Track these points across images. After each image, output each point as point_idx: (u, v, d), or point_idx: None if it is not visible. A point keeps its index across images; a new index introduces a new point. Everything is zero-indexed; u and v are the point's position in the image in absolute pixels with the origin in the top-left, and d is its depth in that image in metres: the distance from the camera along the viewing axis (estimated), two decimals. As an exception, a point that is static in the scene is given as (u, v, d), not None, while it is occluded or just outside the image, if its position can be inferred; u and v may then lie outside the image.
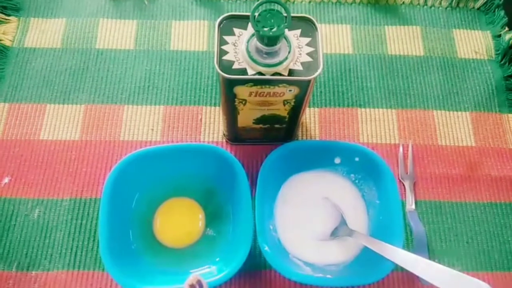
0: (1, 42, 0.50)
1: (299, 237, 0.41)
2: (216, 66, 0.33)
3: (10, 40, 0.51)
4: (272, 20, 0.31)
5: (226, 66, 0.33)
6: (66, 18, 0.52)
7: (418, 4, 0.55)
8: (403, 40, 0.52)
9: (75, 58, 0.50)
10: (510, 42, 0.52)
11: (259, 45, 0.32)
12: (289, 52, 0.34)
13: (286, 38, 0.34)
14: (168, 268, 0.39)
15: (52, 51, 0.50)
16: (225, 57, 0.34)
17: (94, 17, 0.52)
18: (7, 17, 0.52)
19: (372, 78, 0.50)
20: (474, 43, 0.53)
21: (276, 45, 0.32)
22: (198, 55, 0.51)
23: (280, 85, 0.34)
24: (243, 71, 0.33)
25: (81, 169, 0.45)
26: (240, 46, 0.34)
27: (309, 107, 0.48)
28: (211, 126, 0.47)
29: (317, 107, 0.49)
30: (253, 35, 0.34)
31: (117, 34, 0.52)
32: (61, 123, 0.47)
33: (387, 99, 0.49)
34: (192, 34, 0.52)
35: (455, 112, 0.49)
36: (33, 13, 0.52)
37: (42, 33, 0.51)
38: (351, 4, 0.54)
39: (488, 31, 0.54)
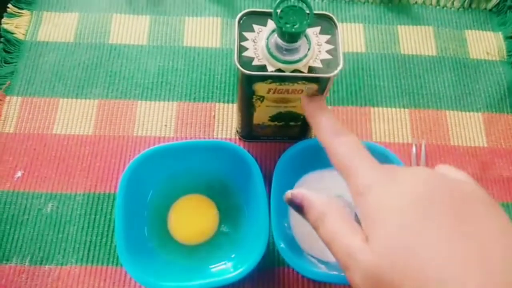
0: (14, 35, 0.50)
1: (314, 235, 0.40)
2: (236, 63, 0.33)
3: (23, 34, 0.51)
4: (294, 17, 0.31)
5: (245, 63, 0.33)
6: (79, 12, 0.52)
7: (431, 4, 0.55)
8: (416, 40, 0.53)
9: (88, 52, 0.50)
10: (522, 43, 0.52)
11: (280, 41, 0.32)
12: (309, 49, 0.34)
13: (306, 35, 0.34)
14: (183, 264, 0.39)
15: (65, 45, 0.50)
16: (244, 54, 0.34)
17: (107, 12, 0.52)
18: (20, 11, 0.52)
19: (385, 77, 0.50)
20: (486, 44, 0.53)
21: (297, 41, 0.32)
22: (211, 51, 0.51)
23: (299, 82, 0.34)
24: (263, 68, 0.33)
25: (95, 164, 0.45)
26: (260, 43, 0.34)
27: (322, 105, 0.48)
28: (224, 123, 0.47)
29: (330, 106, 0.49)
30: (273, 31, 0.34)
31: (130, 29, 0.51)
32: (74, 117, 0.47)
33: (400, 98, 0.49)
34: (205, 31, 0.52)
35: (467, 113, 0.49)
36: (46, 7, 0.52)
37: (55, 27, 0.51)
38: (364, 3, 0.54)
39: (500, 32, 0.54)
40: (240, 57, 0.34)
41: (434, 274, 0.19)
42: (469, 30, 0.54)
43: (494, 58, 0.52)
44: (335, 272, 0.37)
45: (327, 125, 0.28)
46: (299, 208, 0.27)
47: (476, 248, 0.19)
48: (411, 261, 0.20)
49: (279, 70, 0.33)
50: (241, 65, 0.33)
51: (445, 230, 0.20)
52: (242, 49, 0.34)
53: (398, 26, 0.53)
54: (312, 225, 0.26)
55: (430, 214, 0.21)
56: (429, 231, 0.20)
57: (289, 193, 0.28)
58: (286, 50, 0.33)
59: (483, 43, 0.53)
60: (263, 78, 0.34)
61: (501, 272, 0.19)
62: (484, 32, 0.54)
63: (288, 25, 0.31)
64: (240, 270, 0.35)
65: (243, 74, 0.33)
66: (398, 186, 0.23)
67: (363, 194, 0.23)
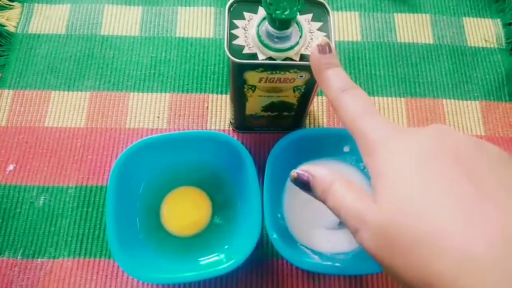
0: (5, 28, 0.49)
1: (307, 226, 0.40)
2: (226, 51, 0.32)
3: (14, 26, 0.50)
4: (285, 3, 0.30)
5: (236, 51, 0.33)
6: (70, 4, 0.51)
7: (428, -9, 0.54)
8: (413, 28, 0.52)
9: (80, 44, 0.49)
10: (521, 30, 0.51)
11: (271, 29, 0.32)
12: (300, 37, 0.33)
13: (297, 22, 0.33)
14: (176, 256, 0.38)
15: (56, 38, 0.50)
16: (235, 42, 0.33)
17: (99, 3, 0.51)
18: (11, 3, 0.51)
19: (381, 66, 0.50)
20: (484, 31, 0.52)
21: (288, 28, 0.31)
22: (204, 42, 0.50)
23: (291, 71, 0.34)
24: (254, 56, 0.33)
25: (87, 156, 0.44)
26: (251, 31, 0.33)
27: (317, 95, 0.48)
28: (217, 114, 0.47)
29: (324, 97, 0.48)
30: (264, 19, 0.33)
31: (122, 20, 0.51)
32: (66, 110, 0.46)
33: (396, 87, 0.49)
34: (198, 21, 0.51)
35: (464, 101, 0.49)
36: (37, -1, 0.52)
37: (47, 19, 0.50)
38: (360, -9, 0.54)
39: (498, 19, 0.53)
40: (230, 45, 0.33)
41: (437, 229, 0.18)
42: (467, 17, 0.53)
43: (492, 46, 0.52)
44: (328, 263, 0.37)
45: (335, 80, 0.27)
46: (306, 185, 0.27)
47: (478, 202, 0.19)
48: (416, 217, 0.19)
49: (270, 58, 0.33)
50: (231, 54, 0.33)
51: (449, 185, 0.19)
52: (232, 37, 0.33)
53: (395, 14, 0.53)
54: (320, 198, 0.26)
55: (435, 168, 0.20)
56: (434, 186, 0.20)
57: (294, 172, 0.28)
58: (277, 37, 0.32)
59: (481, 30, 0.52)
60: (254, 67, 0.33)
61: (503, 227, 0.18)
62: (482, 19, 0.53)
63: (278, 12, 0.30)
64: (233, 261, 0.35)
65: (234, 63, 0.33)
66: (406, 142, 0.22)
67: (372, 153, 0.23)
